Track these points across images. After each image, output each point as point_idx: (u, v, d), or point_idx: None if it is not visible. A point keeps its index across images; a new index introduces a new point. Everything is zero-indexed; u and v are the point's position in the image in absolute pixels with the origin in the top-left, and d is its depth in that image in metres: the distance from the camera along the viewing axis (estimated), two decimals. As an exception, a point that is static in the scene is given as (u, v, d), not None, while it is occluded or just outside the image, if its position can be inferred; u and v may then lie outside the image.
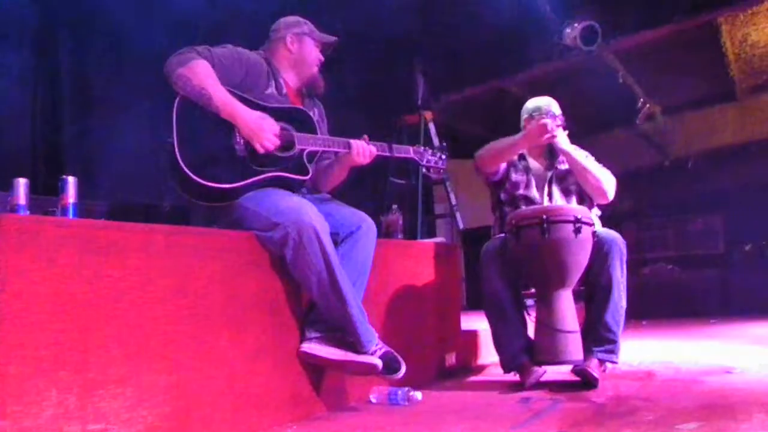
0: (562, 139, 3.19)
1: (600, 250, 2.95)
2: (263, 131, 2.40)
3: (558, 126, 3.21)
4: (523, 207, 3.17)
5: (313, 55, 2.77)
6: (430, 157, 3.00)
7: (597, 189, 3.17)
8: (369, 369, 2.36)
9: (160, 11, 4.19)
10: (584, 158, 3.21)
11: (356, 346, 2.37)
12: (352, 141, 2.70)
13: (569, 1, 5.76)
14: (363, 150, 2.69)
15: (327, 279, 2.31)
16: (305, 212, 2.31)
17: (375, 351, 2.37)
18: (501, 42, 5.68)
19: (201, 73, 2.37)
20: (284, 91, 2.69)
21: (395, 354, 2.41)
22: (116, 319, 1.81)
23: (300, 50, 2.75)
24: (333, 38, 2.84)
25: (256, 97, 2.53)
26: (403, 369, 2.41)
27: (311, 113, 2.71)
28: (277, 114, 2.53)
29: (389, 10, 5.52)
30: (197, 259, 2.08)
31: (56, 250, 1.70)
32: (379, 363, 2.34)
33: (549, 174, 3.29)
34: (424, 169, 3.07)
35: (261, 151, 2.40)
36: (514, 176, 3.32)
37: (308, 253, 2.28)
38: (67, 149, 4.13)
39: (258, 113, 2.43)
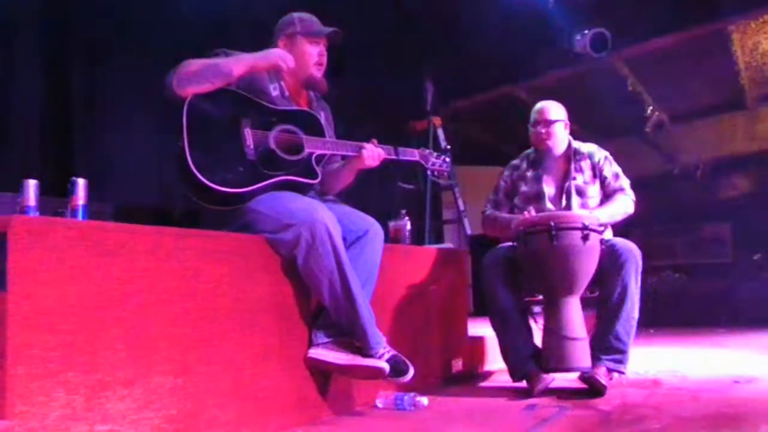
0: (601, 216, 3.03)
1: (616, 260, 2.93)
2: (279, 54, 2.55)
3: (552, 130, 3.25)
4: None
5: (307, 54, 2.68)
6: (434, 160, 3.02)
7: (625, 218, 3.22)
8: (376, 373, 2.35)
9: (170, 15, 4.21)
10: (610, 214, 3.14)
11: (364, 350, 2.37)
12: (363, 144, 2.71)
13: (579, 8, 5.76)
14: (373, 153, 2.71)
15: (338, 280, 2.31)
16: (317, 213, 2.31)
17: (382, 354, 2.35)
18: (511, 48, 5.68)
19: (195, 63, 2.39)
20: (287, 93, 2.69)
21: (402, 357, 2.39)
22: (124, 321, 1.81)
23: (292, 52, 2.65)
24: (330, 29, 2.72)
25: (263, 100, 2.54)
26: (411, 372, 2.39)
27: (318, 116, 2.72)
28: (286, 116, 2.54)
29: (399, 16, 5.54)
30: (205, 261, 2.09)
31: (65, 251, 1.70)
32: (386, 366, 2.32)
33: (566, 184, 3.25)
34: (429, 173, 3.08)
35: (291, 65, 2.56)
36: (524, 188, 3.33)
37: (320, 254, 2.28)
38: (77, 151, 4.14)
39: (265, 51, 2.56)
